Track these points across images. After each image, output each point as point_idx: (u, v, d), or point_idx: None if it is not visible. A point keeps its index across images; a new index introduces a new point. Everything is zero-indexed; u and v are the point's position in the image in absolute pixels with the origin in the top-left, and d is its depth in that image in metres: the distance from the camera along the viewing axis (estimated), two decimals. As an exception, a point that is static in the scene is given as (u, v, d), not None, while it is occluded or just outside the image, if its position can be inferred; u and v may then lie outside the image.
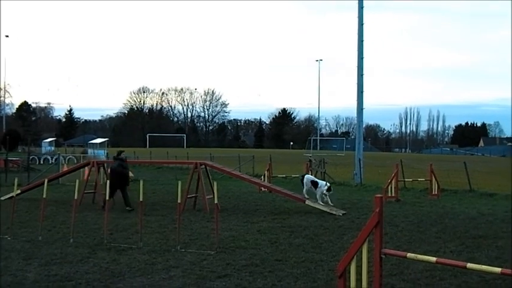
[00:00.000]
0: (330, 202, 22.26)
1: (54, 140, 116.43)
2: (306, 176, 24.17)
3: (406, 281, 11.16)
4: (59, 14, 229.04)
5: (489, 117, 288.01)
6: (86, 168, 28.19)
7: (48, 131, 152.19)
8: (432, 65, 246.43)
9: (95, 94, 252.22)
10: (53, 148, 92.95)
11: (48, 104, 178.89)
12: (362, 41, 38.37)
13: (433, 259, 8.29)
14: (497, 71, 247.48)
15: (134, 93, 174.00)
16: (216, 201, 14.49)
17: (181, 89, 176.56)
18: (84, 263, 12.73)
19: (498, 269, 7.61)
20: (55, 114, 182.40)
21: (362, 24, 38.30)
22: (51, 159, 58.94)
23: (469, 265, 7.87)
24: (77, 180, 16.16)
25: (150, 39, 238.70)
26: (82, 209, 21.35)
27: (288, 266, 12.46)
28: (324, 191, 22.29)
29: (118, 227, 17.73)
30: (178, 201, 14.48)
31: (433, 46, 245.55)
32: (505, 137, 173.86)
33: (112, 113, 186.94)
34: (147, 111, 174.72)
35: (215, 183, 14.90)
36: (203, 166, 23.95)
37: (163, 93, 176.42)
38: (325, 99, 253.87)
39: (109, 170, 23.72)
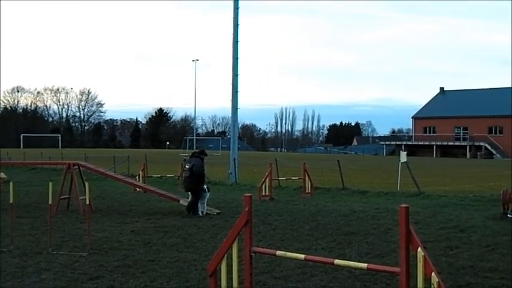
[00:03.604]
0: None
1: None
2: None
3: (278, 278, 11.30)
4: None
5: (362, 116, 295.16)
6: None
7: None
8: (307, 66, 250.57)
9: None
10: None
11: None
12: (237, 41, 38.59)
13: (302, 256, 8.44)
14: (370, 71, 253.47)
15: (8, 92, 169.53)
16: (87, 202, 14.32)
17: (58, 89, 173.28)
18: (-49, 268, 12.37)
19: (364, 265, 7.81)
20: None
21: (237, 25, 38.53)
22: None
23: (337, 261, 8.04)
24: None
25: (24, 36, 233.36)
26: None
27: (161, 266, 12.44)
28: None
29: (-13, 230, 17.30)
30: (50, 202, 14.25)
31: (308, 47, 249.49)
32: (377, 136, 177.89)
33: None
34: (21, 111, 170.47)
35: (87, 184, 14.71)
36: (76, 167, 23.59)
37: (38, 93, 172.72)
38: (202, 99, 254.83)
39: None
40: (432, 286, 6.87)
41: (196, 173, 21.78)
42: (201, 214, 21.16)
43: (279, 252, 8.68)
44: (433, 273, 6.87)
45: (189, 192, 22.03)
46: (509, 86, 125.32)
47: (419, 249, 6.96)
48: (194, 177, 21.66)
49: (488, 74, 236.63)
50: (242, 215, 8.41)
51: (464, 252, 13.99)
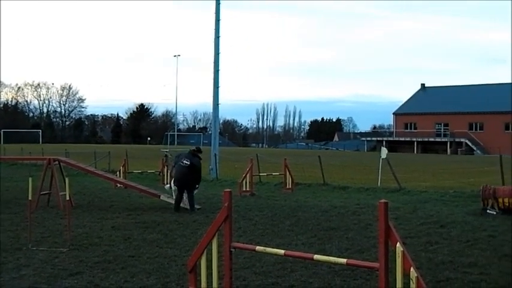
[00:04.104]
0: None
1: None
2: None
3: (258, 273, 11.32)
4: None
5: (343, 112, 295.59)
6: None
7: None
8: (289, 62, 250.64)
9: None
10: None
11: None
12: (218, 37, 38.59)
13: (282, 252, 8.47)
14: (352, 68, 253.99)
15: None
16: (67, 198, 14.28)
17: (38, 84, 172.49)
18: None
19: (344, 260, 7.85)
20: None
21: (219, 21, 38.53)
22: None
23: (316, 256, 8.08)
24: None
25: (5, 32, 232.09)
26: None
27: (141, 261, 12.43)
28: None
29: (-33, 226, 17.22)
30: (29, 198, 14.19)
31: (290, 44, 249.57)
32: (359, 131, 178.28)
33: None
34: (1, 106, 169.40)
35: (67, 180, 14.66)
36: (57, 162, 23.50)
37: (19, 88, 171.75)
38: (183, 95, 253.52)
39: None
40: (411, 281, 6.90)
41: (198, 173, 21.98)
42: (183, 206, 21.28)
43: (258, 248, 8.70)
44: (411, 268, 6.91)
45: (174, 188, 21.97)
46: (489, 82, 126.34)
47: (398, 244, 7.00)
48: (194, 176, 21.69)
49: (471, 71, 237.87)
50: (222, 211, 8.43)
51: (444, 248, 14.07)
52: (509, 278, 11.07)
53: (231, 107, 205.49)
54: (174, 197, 21.96)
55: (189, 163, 21.62)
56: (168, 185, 24.22)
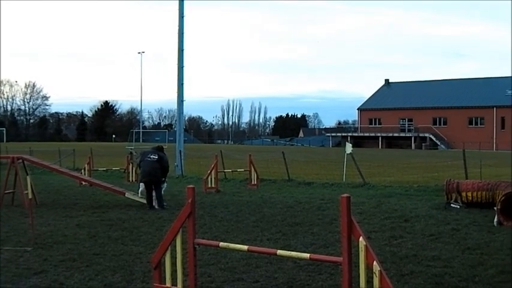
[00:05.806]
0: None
1: None
2: None
3: (223, 269, 11.33)
4: None
5: (309, 108, 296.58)
6: None
7: None
8: (254, 59, 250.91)
9: None
10: None
11: None
12: (182, 33, 38.55)
13: (245, 247, 8.51)
14: (317, 64, 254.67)
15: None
16: (30, 197, 14.19)
17: (1, 81, 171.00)
18: None
19: (307, 255, 7.89)
20: None
21: (182, 17, 38.47)
22: None
23: (279, 252, 8.12)
24: None
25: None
26: None
27: (106, 259, 12.38)
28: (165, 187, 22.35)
29: None
30: (-8, 197, 14.11)
31: (255, 40, 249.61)
32: (324, 127, 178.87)
33: None
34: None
35: (28, 178, 14.56)
36: (20, 161, 23.33)
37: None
38: (148, 92, 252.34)
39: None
40: (374, 275, 6.96)
41: (167, 166, 22.36)
42: (143, 200, 21.38)
43: (222, 244, 8.72)
44: (374, 262, 6.97)
45: (143, 184, 21.83)
46: (452, 78, 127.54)
47: (360, 238, 7.06)
48: (162, 169, 21.87)
49: (435, 66, 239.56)
50: (185, 207, 8.44)
51: (408, 242, 14.18)
52: (472, 270, 11.18)
53: (196, 103, 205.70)
54: (139, 192, 21.94)
55: (157, 157, 21.71)
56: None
